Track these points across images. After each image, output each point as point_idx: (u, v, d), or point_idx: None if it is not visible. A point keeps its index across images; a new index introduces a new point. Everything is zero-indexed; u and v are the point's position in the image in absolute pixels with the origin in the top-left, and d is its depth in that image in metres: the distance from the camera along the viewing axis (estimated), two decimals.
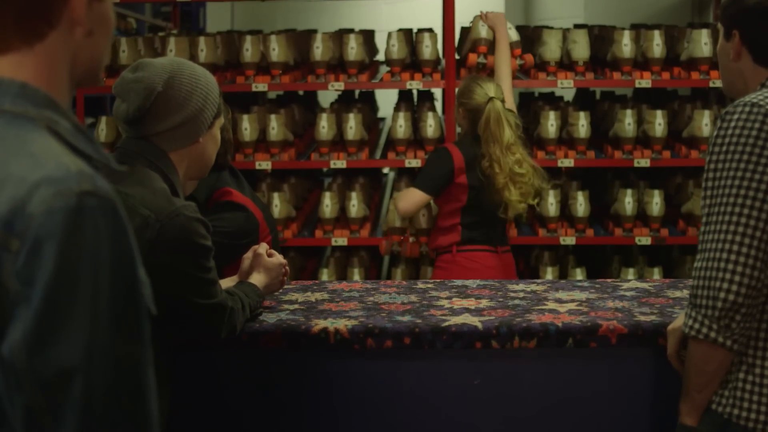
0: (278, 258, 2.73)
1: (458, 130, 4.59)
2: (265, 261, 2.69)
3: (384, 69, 5.85)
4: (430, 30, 5.69)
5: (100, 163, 1.40)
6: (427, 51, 5.47)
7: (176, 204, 2.26)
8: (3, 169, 1.29)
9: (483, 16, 5.07)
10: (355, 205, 5.45)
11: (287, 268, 2.77)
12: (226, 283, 2.66)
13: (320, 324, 2.54)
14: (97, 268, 1.25)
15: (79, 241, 1.24)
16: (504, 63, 4.72)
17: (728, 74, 2.35)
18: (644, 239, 5.39)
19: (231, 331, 2.41)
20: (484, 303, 2.77)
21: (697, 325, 2.10)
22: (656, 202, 5.37)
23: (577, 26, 5.85)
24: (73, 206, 1.24)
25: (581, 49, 5.41)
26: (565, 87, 5.42)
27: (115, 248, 1.27)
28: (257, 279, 2.67)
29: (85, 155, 1.37)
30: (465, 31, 5.64)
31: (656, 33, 5.36)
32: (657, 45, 5.35)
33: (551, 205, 5.25)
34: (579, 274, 5.46)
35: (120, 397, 1.26)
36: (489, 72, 4.98)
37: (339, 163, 5.45)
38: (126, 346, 1.27)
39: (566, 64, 5.49)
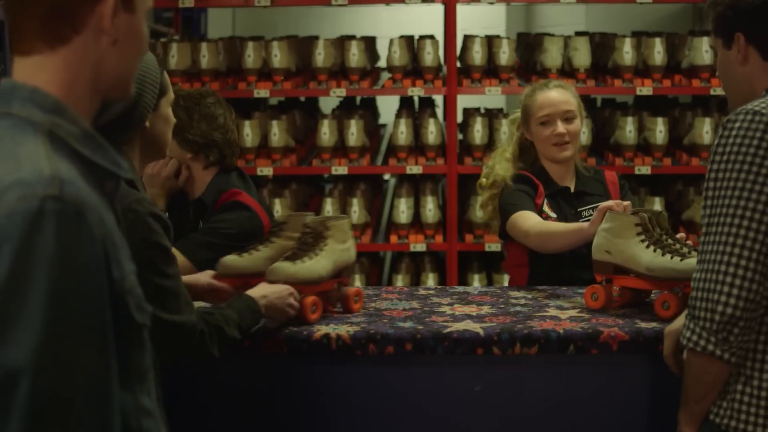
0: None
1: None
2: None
3: (385, 75, 5.86)
4: (431, 37, 5.70)
5: (101, 168, 1.41)
6: (428, 58, 5.48)
7: (126, 199, 2.11)
8: None
9: None
10: (357, 212, 5.46)
11: (297, 299, 2.58)
12: (201, 278, 2.58)
13: (322, 330, 2.55)
14: (53, 272, 1.25)
15: (35, 245, 1.25)
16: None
17: (733, 83, 2.28)
18: None
19: (204, 356, 2.27)
20: (485, 309, 2.77)
21: (695, 338, 2.08)
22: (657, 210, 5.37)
23: (578, 33, 5.86)
24: (33, 210, 1.26)
25: (582, 57, 5.42)
26: None
27: (75, 254, 1.27)
28: (258, 291, 2.53)
29: (88, 161, 1.39)
30: (467, 38, 5.65)
31: (657, 40, 5.37)
32: (658, 52, 5.36)
33: None
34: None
35: (70, 403, 1.26)
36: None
37: (340, 169, 5.46)
38: (80, 352, 1.27)
39: (567, 71, 5.50)
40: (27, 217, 1.26)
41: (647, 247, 2.68)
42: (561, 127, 3.27)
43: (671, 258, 2.63)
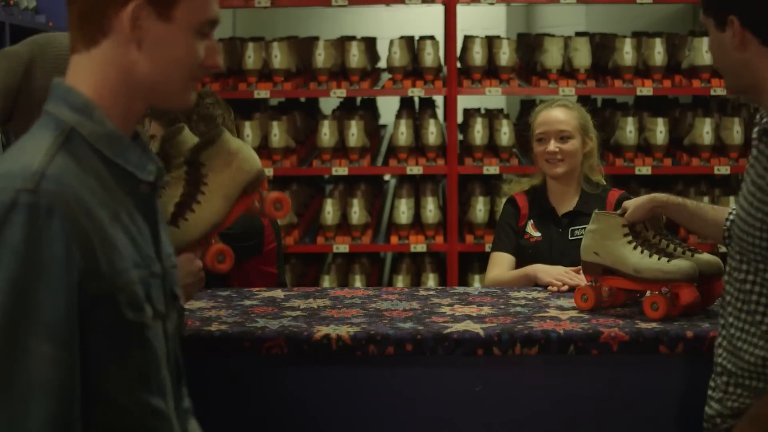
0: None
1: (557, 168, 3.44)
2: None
3: (386, 76, 5.86)
4: (431, 37, 5.70)
5: (118, 169, 1.46)
6: (428, 58, 5.48)
7: None
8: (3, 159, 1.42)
9: None
10: (357, 212, 5.46)
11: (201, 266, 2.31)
12: None
13: (322, 330, 2.55)
14: (17, 262, 1.31)
15: (4, 235, 1.31)
16: None
17: (731, 69, 2.03)
18: None
19: None
20: (485, 310, 2.77)
21: None
22: None
23: (578, 34, 5.87)
24: (7, 202, 1.33)
25: (582, 57, 5.42)
26: (567, 95, 5.43)
27: (41, 247, 1.32)
28: None
29: (110, 161, 1.45)
30: (467, 38, 5.66)
31: (657, 41, 5.37)
32: (658, 53, 5.36)
33: None
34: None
35: (22, 393, 1.30)
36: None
37: (340, 169, 5.46)
38: (36, 345, 1.31)
39: (567, 71, 5.50)
40: (0, 208, 1.32)
41: (635, 248, 2.68)
42: (552, 145, 3.38)
43: (659, 259, 2.63)
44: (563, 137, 3.39)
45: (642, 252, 2.66)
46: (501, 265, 3.40)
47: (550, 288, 3.08)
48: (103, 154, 1.45)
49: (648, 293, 2.71)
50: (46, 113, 1.46)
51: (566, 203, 3.44)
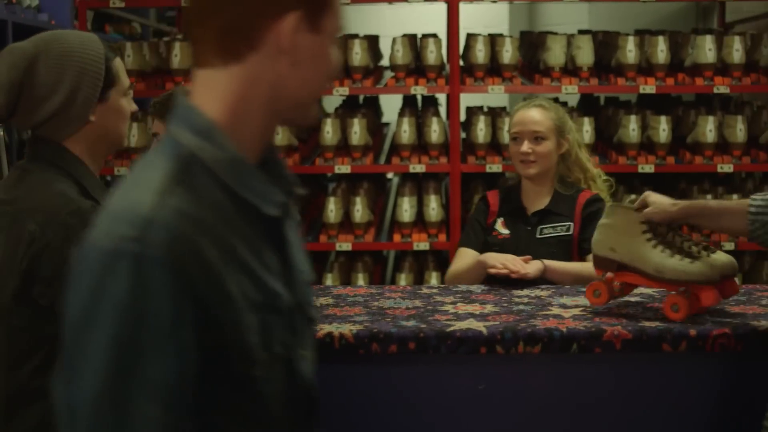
0: None
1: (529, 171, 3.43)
2: None
3: (388, 74, 5.86)
4: (434, 35, 5.70)
5: (240, 199, 1.35)
6: (431, 56, 5.48)
7: (71, 207, 2.05)
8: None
9: None
10: (360, 210, 5.46)
11: None
12: None
13: (325, 329, 2.55)
14: (121, 317, 1.21)
15: (107, 286, 1.21)
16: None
17: None
18: None
19: None
20: (488, 308, 2.77)
21: None
22: None
23: (581, 32, 5.86)
24: (110, 249, 1.22)
25: (585, 55, 5.41)
26: (570, 93, 5.42)
27: (147, 302, 1.21)
28: None
29: (229, 189, 1.33)
30: (470, 36, 5.65)
31: (660, 39, 5.37)
32: (661, 51, 5.35)
33: None
34: None
35: None
36: None
37: (343, 168, 5.46)
38: (142, 405, 1.21)
39: (570, 69, 5.50)
40: (103, 257, 1.22)
41: (654, 246, 2.62)
42: (525, 146, 3.38)
43: (681, 259, 2.58)
44: (537, 138, 3.39)
45: (663, 251, 2.61)
46: (464, 260, 3.40)
47: (490, 271, 3.10)
48: (221, 179, 1.32)
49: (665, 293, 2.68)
50: (167, 133, 1.35)
51: (538, 203, 3.44)
